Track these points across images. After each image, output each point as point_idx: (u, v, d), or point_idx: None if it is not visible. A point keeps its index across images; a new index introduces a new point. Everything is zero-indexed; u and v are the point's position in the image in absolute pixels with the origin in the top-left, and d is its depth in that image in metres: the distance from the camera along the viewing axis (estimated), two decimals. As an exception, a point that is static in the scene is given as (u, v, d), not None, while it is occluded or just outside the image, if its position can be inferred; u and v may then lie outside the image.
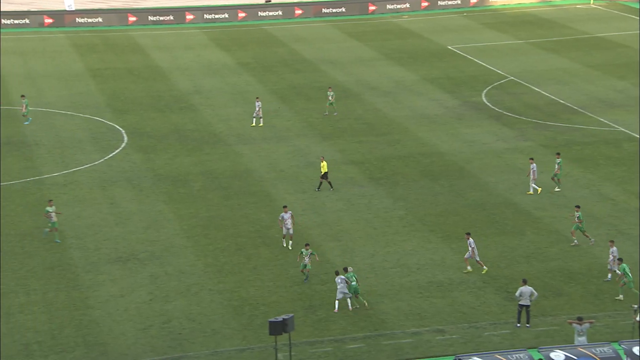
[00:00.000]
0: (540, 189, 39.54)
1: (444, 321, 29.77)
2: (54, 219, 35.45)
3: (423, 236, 35.81)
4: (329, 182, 40.36)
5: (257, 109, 49.72)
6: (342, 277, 30.14)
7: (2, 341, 28.70)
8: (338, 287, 30.09)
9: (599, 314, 29.93)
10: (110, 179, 42.37)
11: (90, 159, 45.01)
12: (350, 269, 31.08)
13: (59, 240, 35.27)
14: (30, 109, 50.76)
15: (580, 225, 34.76)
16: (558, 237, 35.62)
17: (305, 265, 32.21)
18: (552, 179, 39.80)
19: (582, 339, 26.57)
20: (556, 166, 39.56)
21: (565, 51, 65.87)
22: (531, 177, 39.36)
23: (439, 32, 72.98)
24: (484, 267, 32.75)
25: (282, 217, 34.67)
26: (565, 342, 27.62)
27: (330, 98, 51.18)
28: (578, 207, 35.24)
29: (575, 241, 34.79)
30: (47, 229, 35.60)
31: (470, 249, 32.55)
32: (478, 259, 32.69)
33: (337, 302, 30.25)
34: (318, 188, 40.23)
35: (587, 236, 34.84)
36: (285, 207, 35.42)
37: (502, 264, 33.63)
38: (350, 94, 56.29)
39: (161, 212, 38.65)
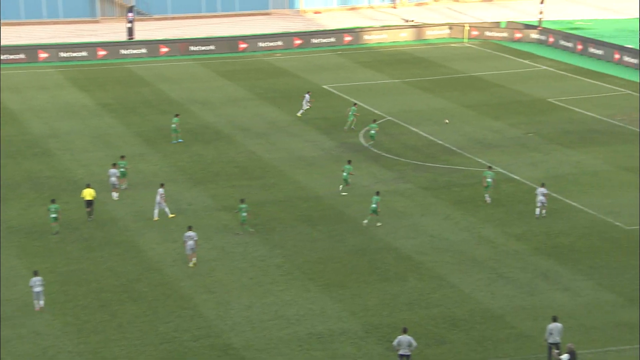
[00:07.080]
0: (172, 215, 42.84)
1: (325, 375, 29.93)
2: None
3: (302, 285, 36.04)
4: (90, 211, 42.18)
5: (305, 100, 59.19)
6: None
7: None
8: (34, 290, 32.41)
9: (484, 360, 30.87)
10: (-45, 232, 40.60)
11: None
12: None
13: None
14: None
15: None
16: (440, 283, 36.63)
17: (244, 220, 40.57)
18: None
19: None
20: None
21: (440, 90, 68.41)
22: (161, 201, 42.62)
23: (313, 70, 74.37)
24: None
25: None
26: (451, 390, 28.29)
27: (350, 113, 55.95)
28: None
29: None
30: None
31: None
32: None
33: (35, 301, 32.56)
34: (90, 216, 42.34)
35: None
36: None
37: (384, 312, 34.23)
38: (221, 135, 56.35)
39: (13, 268, 37.27)
